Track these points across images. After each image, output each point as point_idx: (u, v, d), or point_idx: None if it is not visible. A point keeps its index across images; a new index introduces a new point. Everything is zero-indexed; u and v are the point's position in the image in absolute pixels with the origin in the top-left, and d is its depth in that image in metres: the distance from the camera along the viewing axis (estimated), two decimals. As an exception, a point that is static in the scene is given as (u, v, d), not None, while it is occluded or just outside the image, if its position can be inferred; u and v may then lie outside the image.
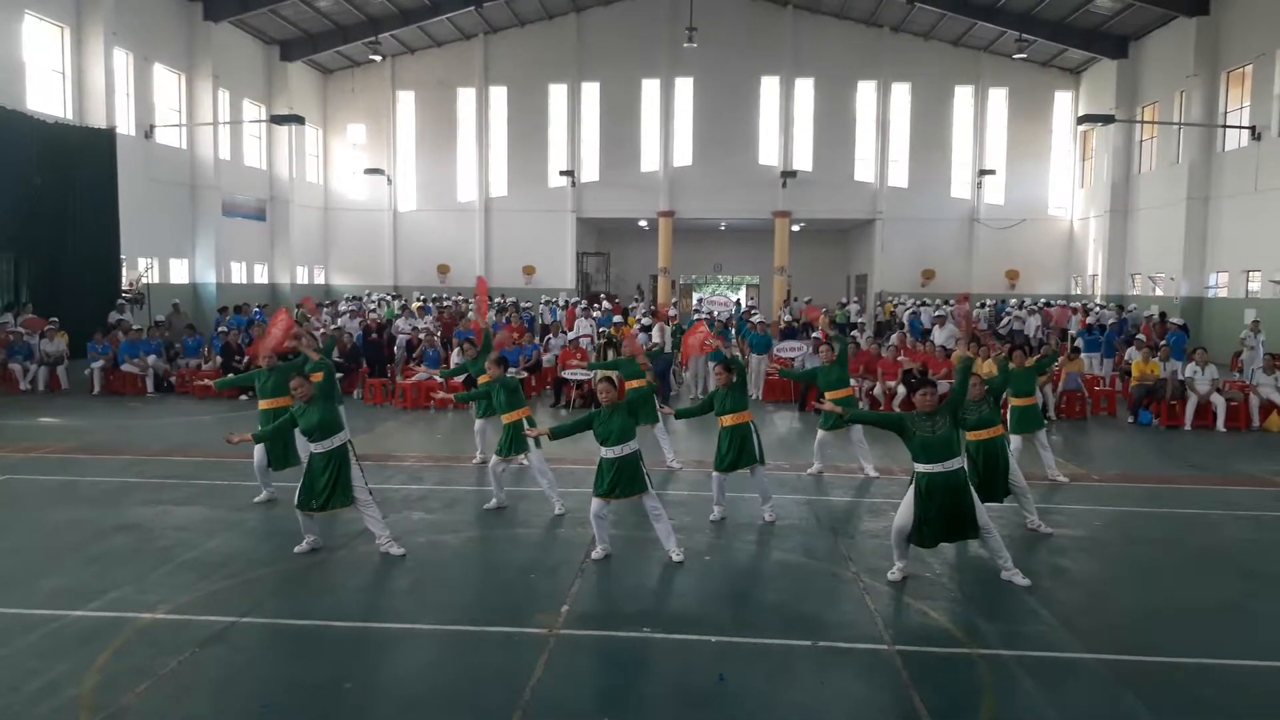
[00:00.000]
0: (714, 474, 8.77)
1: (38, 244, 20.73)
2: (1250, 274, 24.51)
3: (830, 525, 8.75)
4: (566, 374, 16.19)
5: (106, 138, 22.83)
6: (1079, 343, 19.35)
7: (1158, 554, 8.06)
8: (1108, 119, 27.72)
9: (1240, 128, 24.79)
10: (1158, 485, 10.76)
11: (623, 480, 7.39)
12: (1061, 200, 36.00)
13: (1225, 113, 25.98)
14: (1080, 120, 31.51)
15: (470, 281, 35.92)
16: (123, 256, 23.62)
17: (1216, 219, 26.00)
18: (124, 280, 23.94)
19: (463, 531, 8.44)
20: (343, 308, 25.90)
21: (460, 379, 13.63)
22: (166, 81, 27.47)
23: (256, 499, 9.36)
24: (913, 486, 6.88)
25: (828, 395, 9.65)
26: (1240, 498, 10.14)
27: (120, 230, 23.11)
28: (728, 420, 8.62)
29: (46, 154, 20.74)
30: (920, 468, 6.81)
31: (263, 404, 9.65)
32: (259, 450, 9.21)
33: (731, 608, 6.65)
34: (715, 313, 22.40)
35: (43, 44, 22.24)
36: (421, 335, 18.95)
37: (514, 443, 8.98)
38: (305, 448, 8.80)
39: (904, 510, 6.93)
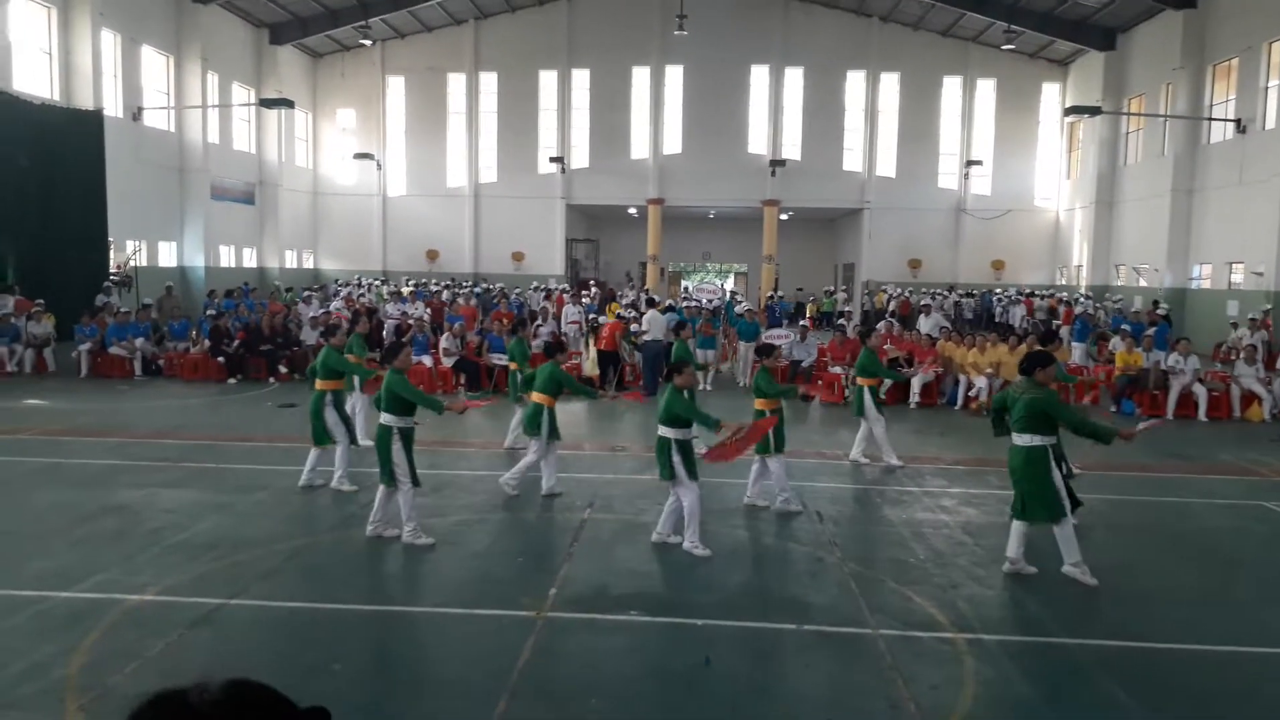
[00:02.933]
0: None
1: (24, 226, 20.60)
2: (1233, 266, 24.71)
3: (816, 510, 8.82)
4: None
5: (94, 119, 22.66)
6: (1061, 332, 19.47)
7: (1139, 542, 8.17)
8: (1094, 110, 27.85)
9: (1225, 120, 24.94)
10: (1139, 474, 10.87)
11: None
12: (1047, 191, 36.15)
13: (1211, 105, 26.12)
14: (1067, 112, 31.62)
15: (460, 267, 35.88)
16: (110, 239, 23.48)
17: (1201, 211, 26.17)
18: (111, 263, 23.80)
19: (451, 515, 8.47)
20: (333, 290, 25.87)
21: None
22: (155, 63, 27.26)
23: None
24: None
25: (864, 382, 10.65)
26: (1220, 487, 10.26)
27: (108, 212, 22.98)
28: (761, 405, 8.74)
29: (33, 135, 20.59)
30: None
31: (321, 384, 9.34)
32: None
33: (717, 591, 6.71)
34: (704, 300, 22.46)
35: (29, 24, 22.05)
36: (411, 321, 18.92)
37: (528, 422, 9.05)
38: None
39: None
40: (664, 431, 7.45)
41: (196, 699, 1.02)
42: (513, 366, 11.23)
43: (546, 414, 8.93)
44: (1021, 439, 6.88)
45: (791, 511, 8.66)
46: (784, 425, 8.77)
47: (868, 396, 10.60)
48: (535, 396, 9.03)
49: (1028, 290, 30.94)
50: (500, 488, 9.04)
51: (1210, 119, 25.87)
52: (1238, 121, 24.22)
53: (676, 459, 7.40)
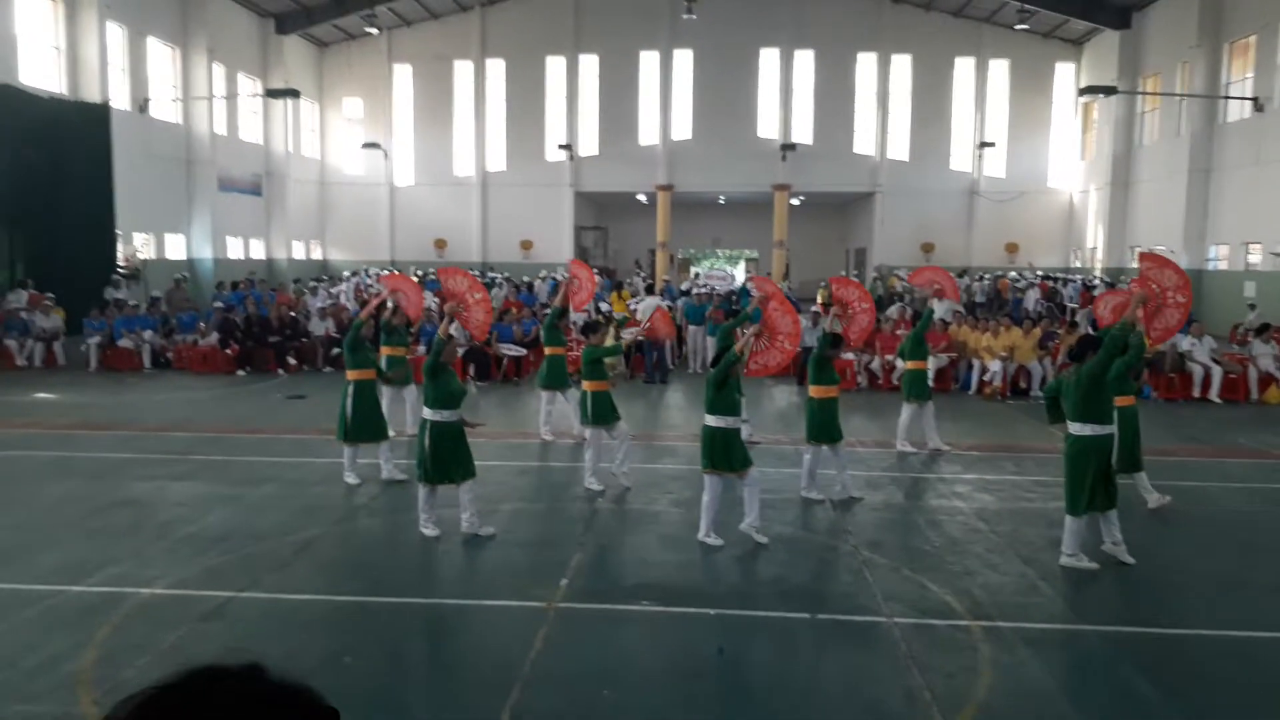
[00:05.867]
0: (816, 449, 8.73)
1: (32, 220, 20.62)
2: (1250, 246, 24.44)
3: (828, 498, 8.74)
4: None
5: (101, 112, 22.64)
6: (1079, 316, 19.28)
7: (1155, 526, 8.07)
8: (1109, 90, 27.52)
9: (1243, 99, 24.62)
10: (1156, 458, 10.70)
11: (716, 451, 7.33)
12: (1061, 173, 35.80)
13: (1228, 84, 25.78)
14: (1081, 92, 31.28)
15: (468, 256, 35.81)
16: (118, 232, 23.49)
17: (1218, 191, 25.87)
18: (120, 256, 23.83)
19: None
20: (345, 283, 25.87)
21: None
22: (161, 56, 27.22)
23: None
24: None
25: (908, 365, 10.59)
26: (1238, 470, 10.14)
27: (115, 206, 22.98)
28: (818, 391, 8.64)
29: (40, 129, 20.57)
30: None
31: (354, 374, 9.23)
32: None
33: (730, 580, 6.66)
34: (715, 287, 22.33)
35: (35, 18, 22.01)
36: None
37: (597, 412, 8.90)
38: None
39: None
40: (709, 420, 7.33)
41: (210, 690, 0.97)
42: (551, 351, 11.11)
43: (590, 399, 8.89)
44: (1073, 427, 6.82)
45: (814, 500, 8.61)
46: (838, 417, 8.68)
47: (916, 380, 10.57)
48: (585, 385, 9.01)
49: (1040, 273, 30.69)
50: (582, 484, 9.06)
51: (1227, 97, 25.53)
52: (1255, 100, 23.90)
53: (721, 448, 7.26)
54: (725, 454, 7.24)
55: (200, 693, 0.97)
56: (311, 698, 1.03)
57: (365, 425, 9.00)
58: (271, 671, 1.01)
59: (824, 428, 8.58)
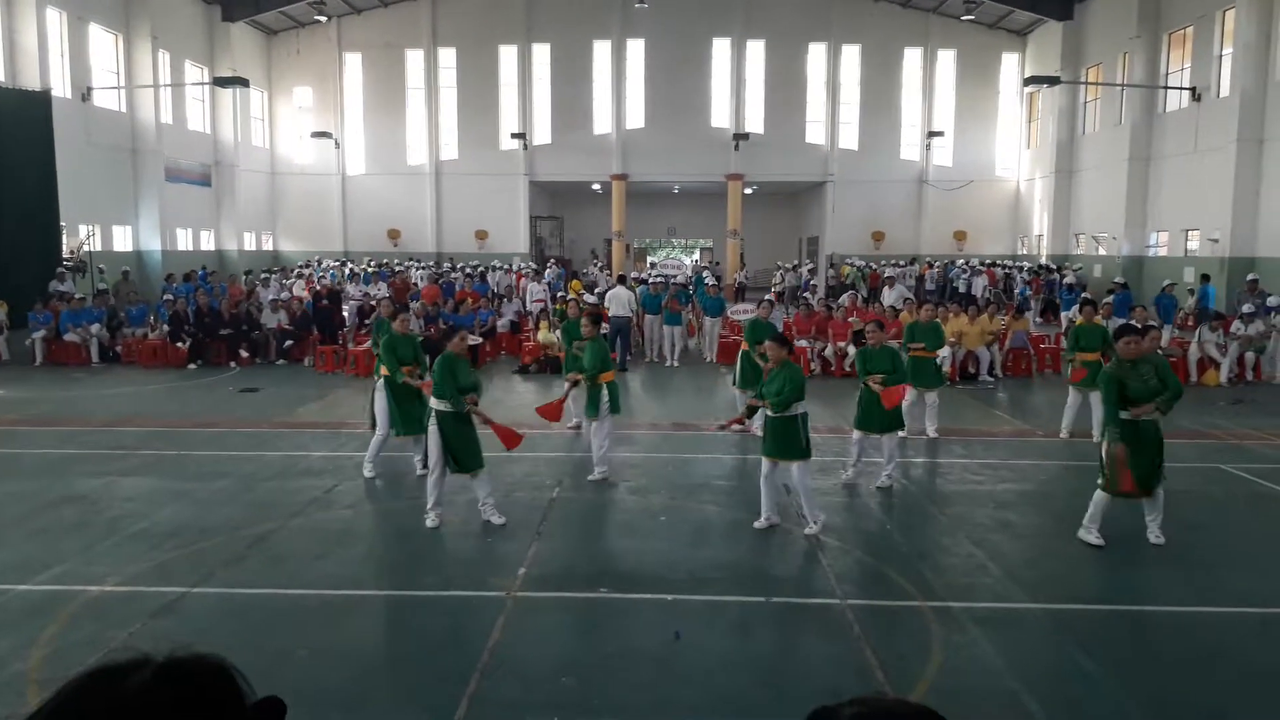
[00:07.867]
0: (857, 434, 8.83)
1: (-29, 211, 20.07)
2: (1189, 233, 25.07)
3: (784, 483, 8.83)
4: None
5: (41, 100, 22.04)
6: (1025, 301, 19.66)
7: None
8: (1053, 80, 28.04)
9: (1181, 89, 25.22)
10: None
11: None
12: (1008, 161, 36.40)
13: (1166, 74, 26.40)
14: (1026, 82, 31.83)
15: (423, 246, 35.50)
16: (62, 223, 22.92)
17: (1157, 179, 26.51)
18: (64, 248, 23.26)
19: (417, 497, 8.40)
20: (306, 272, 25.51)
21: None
22: (103, 42, 26.56)
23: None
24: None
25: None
26: (1177, 450, 10.38)
27: (59, 196, 22.41)
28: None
29: (-23, 117, 20.03)
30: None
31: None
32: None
33: (686, 566, 6.73)
34: (669, 276, 22.41)
35: (-31, 3, 21.40)
36: (374, 302, 18.70)
37: (614, 402, 8.90)
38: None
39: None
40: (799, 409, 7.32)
41: (129, 684, 0.96)
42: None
43: (609, 390, 8.88)
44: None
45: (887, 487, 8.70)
46: (900, 408, 8.81)
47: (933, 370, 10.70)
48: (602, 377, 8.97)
49: (988, 261, 31.21)
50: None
51: (1166, 87, 26.15)
52: (1193, 90, 24.50)
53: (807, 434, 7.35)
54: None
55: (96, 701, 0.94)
56: (213, 677, 1.00)
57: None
58: (161, 659, 0.99)
59: (893, 417, 8.68)
